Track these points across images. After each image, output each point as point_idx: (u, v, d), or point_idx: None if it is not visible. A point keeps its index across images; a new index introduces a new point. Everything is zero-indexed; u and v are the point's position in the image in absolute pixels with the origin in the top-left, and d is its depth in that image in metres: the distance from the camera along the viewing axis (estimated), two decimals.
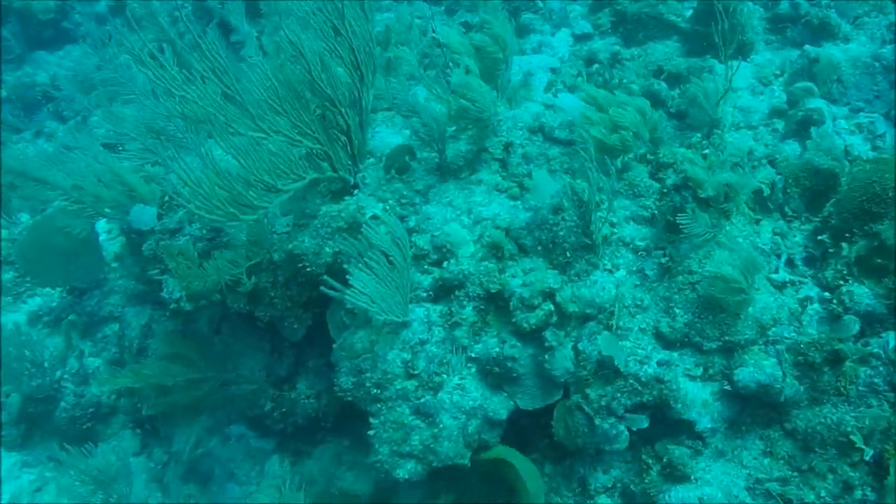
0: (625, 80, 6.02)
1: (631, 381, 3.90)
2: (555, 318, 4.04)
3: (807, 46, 5.97)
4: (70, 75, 8.64)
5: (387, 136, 5.05)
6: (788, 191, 4.69)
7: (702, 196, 4.16)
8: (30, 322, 6.62)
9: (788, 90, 5.70)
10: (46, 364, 5.84)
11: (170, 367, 4.96)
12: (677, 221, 3.96)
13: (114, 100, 8.02)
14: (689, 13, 6.46)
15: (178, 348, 5.05)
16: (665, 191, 4.37)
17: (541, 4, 7.17)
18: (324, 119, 4.23)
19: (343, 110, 4.28)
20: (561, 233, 4.20)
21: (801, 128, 5.30)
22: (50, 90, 8.85)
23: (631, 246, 4.32)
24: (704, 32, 6.26)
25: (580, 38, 6.71)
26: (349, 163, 4.58)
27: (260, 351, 5.18)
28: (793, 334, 4.04)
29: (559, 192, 4.20)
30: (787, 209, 4.66)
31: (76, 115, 8.67)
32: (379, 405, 4.14)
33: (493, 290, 4.16)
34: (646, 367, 3.93)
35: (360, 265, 3.80)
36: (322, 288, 3.82)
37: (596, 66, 6.24)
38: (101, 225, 6.72)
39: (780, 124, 5.54)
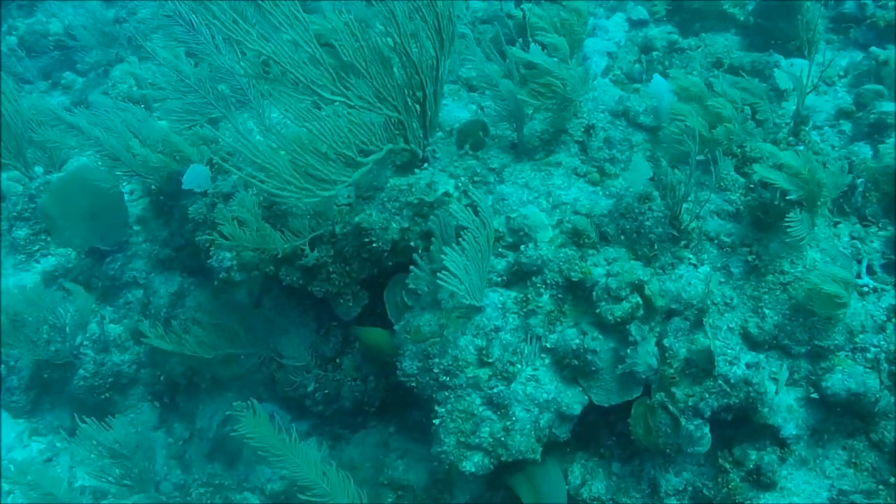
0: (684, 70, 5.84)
1: (720, 381, 3.72)
2: (641, 312, 3.84)
3: (873, 48, 5.83)
4: (88, 24, 8.27)
5: (454, 109, 4.81)
6: (867, 195, 4.54)
7: (792, 196, 3.99)
8: (44, 283, 6.28)
9: (856, 91, 5.54)
10: (68, 329, 5.51)
11: (213, 338, 4.68)
12: (786, 225, 3.77)
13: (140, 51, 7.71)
14: (749, 6, 6.29)
15: (221, 319, 4.78)
16: (751, 186, 4.20)
17: None
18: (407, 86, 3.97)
19: (423, 78, 4.03)
20: (647, 223, 4.01)
21: (874, 131, 5.15)
22: (64, 40, 8.42)
23: (716, 241, 4.13)
24: (767, 26, 6.11)
25: (636, 24, 6.50)
26: (420, 135, 4.33)
27: (304, 328, 4.93)
28: (882, 342, 3.89)
29: (646, 181, 4.00)
30: (865, 213, 4.51)
31: (90, 67, 8.29)
32: (447, 393, 3.92)
33: (573, 279, 3.95)
34: (735, 367, 3.76)
35: (453, 245, 3.56)
36: (412, 268, 3.58)
37: (654, 53, 6.05)
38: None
39: (846, 126, 5.38)
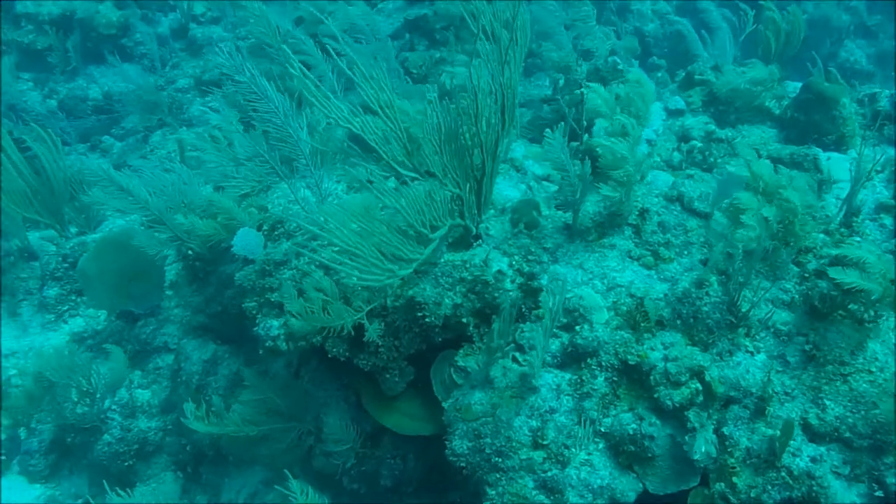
0: (720, 161, 5.92)
1: (783, 473, 3.63)
2: (701, 398, 3.78)
3: None
4: (128, 91, 8.43)
5: (504, 188, 4.85)
6: None
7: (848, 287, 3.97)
8: (71, 344, 6.20)
9: (894, 186, 5.60)
10: (98, 394, 5.40)
11: (255, 414, 4.58)
12: (864, 318, 3.75)
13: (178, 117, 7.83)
14: (785, 101, 6.42)
15: (263, 393, 4.68)
16: (806, 275, 4.20)
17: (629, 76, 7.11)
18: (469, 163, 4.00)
19: (485, 155, 4.07)
20: (704, 308, 3.99)
21: None
22: (102, 104, 8.57)
23: (772, 329, 4.10)
24: (803, 120, 6.22)
25: (672, 113, 6.61)
26: (475, 211, 4.35)
27: (344, 401, 4.84)
28: None
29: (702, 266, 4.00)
30: None
31: (127, 132, 8.41)
32: (498, 475, 3.82)
33: (630, 362, 3.91)
34: (798, 459, 3.67)
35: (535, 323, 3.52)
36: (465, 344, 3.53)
37: (693, 143, 6.13)
38: None
39: (888, 220, 5.42)
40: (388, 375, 4.41)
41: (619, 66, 7.12)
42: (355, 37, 6.98)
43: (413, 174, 3.85)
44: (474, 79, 3.68)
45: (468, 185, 4.18)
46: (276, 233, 4.72)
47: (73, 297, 6.48)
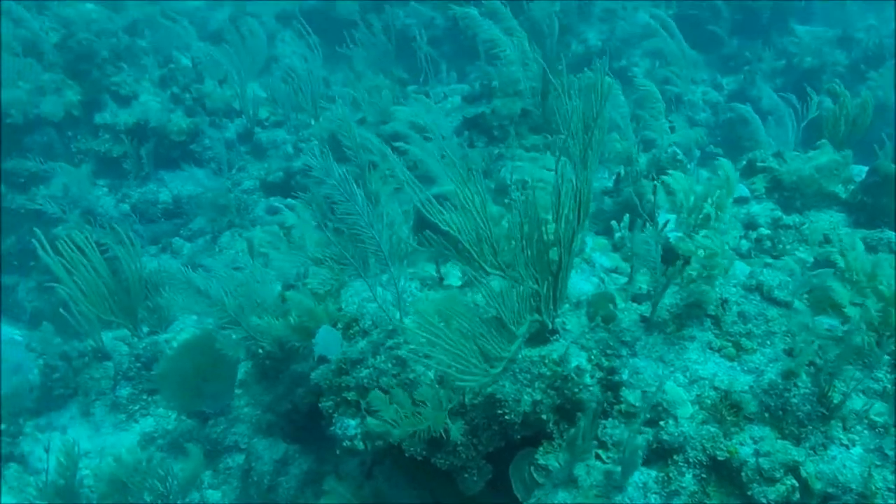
0: (788, 247, 5.84)
1: None
2: (798, 495, 3.62)
3: None
4: (196, 194, 8.75)
5: (577, 281, 4.84)
6: None
7: None
8: (141, 444, 6.25)
9: None
10: (171, 497, 5.39)
11: None
12: None
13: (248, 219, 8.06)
14: (851, 185, 6.36)
15: (341, 497, 4.63)
16: None
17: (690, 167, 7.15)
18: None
19: (562, 249, 4.09)
20: (794, 400, 3.87)
21: None
22: (171, 207, 8.88)
23: (866, 421, 3.94)
24: (871, 204, 6.13)
25: (737, 201, 6.58)
26: (551, 306, 4.34)
27: (419, 501, 4.74)
28: None
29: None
30: None
31: (194, 234, 8.67)
32: None
33: (718, 458, 3.78)
34: None
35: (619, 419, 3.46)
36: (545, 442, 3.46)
37: (761, 230, 6.08)
38: None
39: None
40: (466, 475, 4.32)
41: (679, 157, 7.17)
42: (422, 135, 7.17)
43: (499, 272, 3.88)
44: (553, 177, 3.72)
45: (545, 280, 4.19)
46: (350, 331, 4.76)
47: (145, 397, 6.56)
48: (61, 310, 6.74)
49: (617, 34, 12.49)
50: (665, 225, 4.82)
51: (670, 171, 6.81)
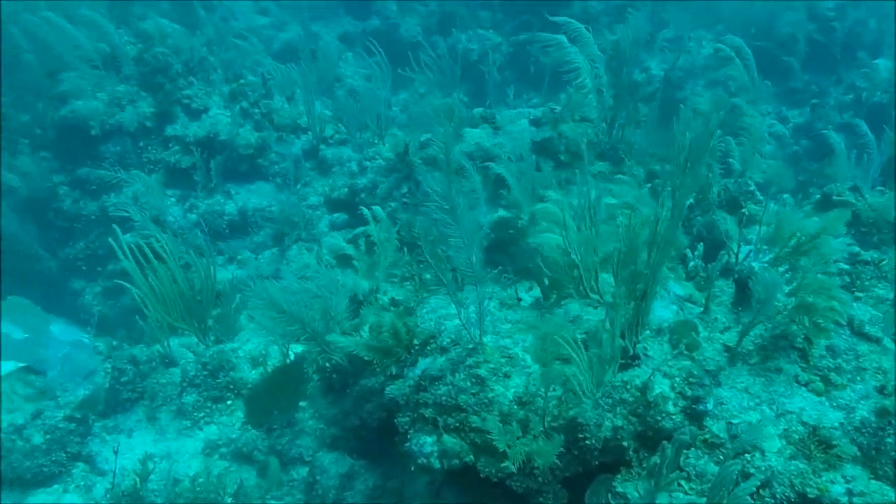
0: (867, 283, 5.72)
1: None
2: None
3: None
4: (266, 207, 8.90)
5: (656, 308, 4.79)
6: None
7: None
8: (205, 451, 6.31)
9: None
10: None
11: None
12: None
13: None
14: None
15: None
16: None
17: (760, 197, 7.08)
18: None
19: (649, 276, 4.06)
20: (888, 440, 3.77)
21: None
22: (236, 219, 9.01)
23: None
24: None
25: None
26: (633, 331, 4.30)
27: None
28: None
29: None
30: None
31: (258, 246, 8.79)
32: None
33: (809, 495, 3.69)
34: None
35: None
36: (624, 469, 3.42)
37: (839, 265, 5.97)
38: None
39: None
40: (541, 499, 4.28)
41: (751, 188, 7.10)
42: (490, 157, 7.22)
43: (597, 297, 3.88)
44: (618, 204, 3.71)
45: (630, 305, 4.16)
46: (428, 347, 4.77)
47: (209, 405, 6.63)
48: (138, 318, 6.89)
49: (679, 64, 12.44)
50: (747, 255, 4.77)
51: (745, 203, 6.77)
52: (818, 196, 6.93)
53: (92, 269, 9.37)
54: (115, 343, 8.27)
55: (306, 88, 9.90)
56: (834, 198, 6.65)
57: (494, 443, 3.92)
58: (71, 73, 9.22)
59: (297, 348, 6.68)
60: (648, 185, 8.02)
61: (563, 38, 6.90)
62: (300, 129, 9.89)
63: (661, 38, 12.77)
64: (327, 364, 6.08)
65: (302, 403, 6.30)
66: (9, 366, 7.17)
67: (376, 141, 9.78)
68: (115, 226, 6.61)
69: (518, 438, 3.96)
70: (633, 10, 10.18)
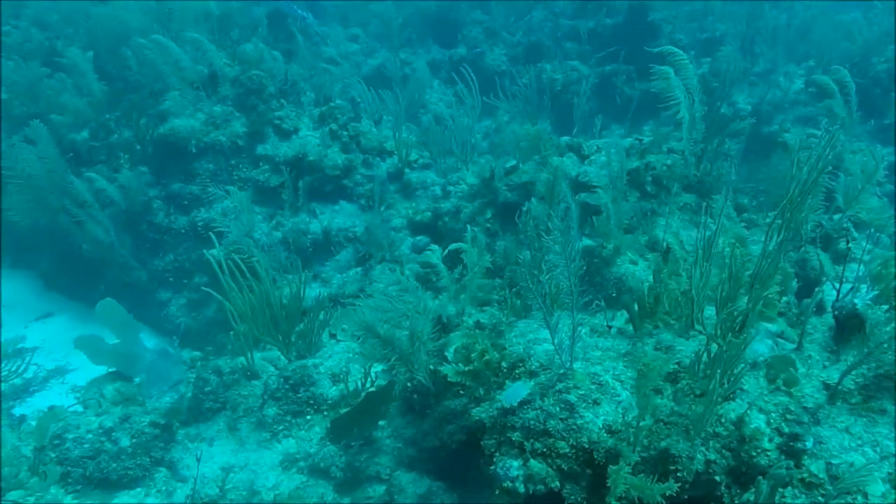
0: None
1: None
2: None
3: None
4: (351, 227, 9.08)
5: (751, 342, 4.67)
6: None
7: None
8: (283, 464, 6.40)
9: None
10: None
11: None
12: None
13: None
14: None
15: None
16: None
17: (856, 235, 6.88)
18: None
19: (749, 310, 3.97)
20: None
21: None
22: (320, 238, 9.18)
23: None
24: None
25: None
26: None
27: None
28: None
29: None
30: None
31: (343, 266, 8.94)
32: None
33: None
34: None
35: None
36: None
37: None
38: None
39: None
40: None
41: (846, 224, 6.90)
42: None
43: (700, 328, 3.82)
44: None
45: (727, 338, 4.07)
46: (516, 371, 4.75)
47: (289, 419, 6.73)
48: (221, 330, 7.06)
49: (768, 98, 12.20)
50: (848, 293, 4.62)
51: (840, 241, 6.58)
52: None
53: (178, 280, 9.67)
54: (199, 354, 8.51)
55: (394, 113, 10.09)
56: None
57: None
58: (173, 93, 9.60)
59: (377, 367, 6.76)
60: (739, 218, 7.87)
61: (669, 69, 6.85)
62: (386, 153, 10.05)
63: (751, 71, 12.57)
64: (408, 384, 6.12)
65: (381, 423, 6.33)
66: (101, 369, 7.43)
67: (461, 166, 9.87)
68: (212, 234, 6.78)
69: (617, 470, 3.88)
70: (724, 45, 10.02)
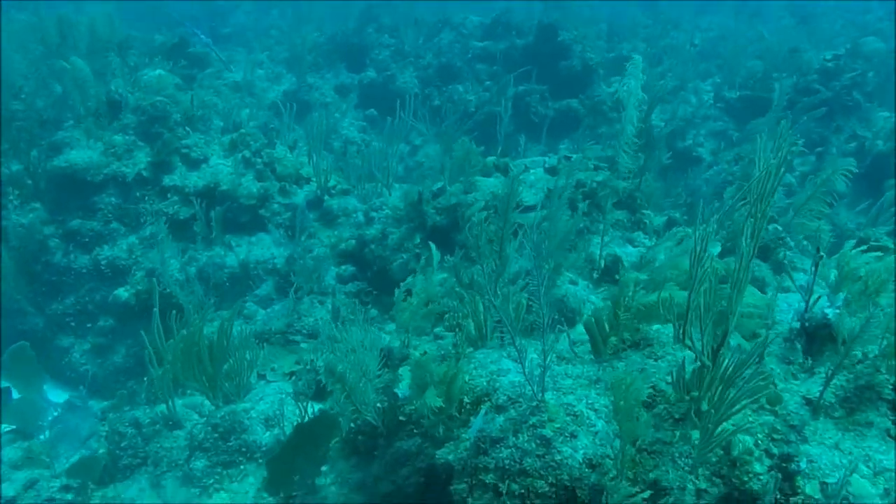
0: None
1: None
2: None
3: None
4: (264, 259, 8.56)
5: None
6: None
7: None
8: None
9: None
10: None
11: None
12: None
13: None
14: None
15: None
16: None
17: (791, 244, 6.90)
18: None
19: (727, 327, 3.77)
20: None
21: None
22: (237, 272, 8.63)
23: None
24: None
25: None
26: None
27: None
28: None
29: None
30: None
31: (261, 300, 8.40)
32: None
33: None
34: None
35: None
36: None
37: None
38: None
39: None
40: None
41: (782, 234, 6.92)
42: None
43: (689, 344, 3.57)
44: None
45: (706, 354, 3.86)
46: (481, 407, 4.39)
47: (220, 470, 6.15)
48: (135, 376, 6.44)
49: (679, 114, 12.43)
50: (817, 300, 4.50)
51: (778, 250, 6.57)
52: (852, 242, 6.74)
53: (81, 325, 8.90)
54: (109, 404, 7.78)
55: (309, 138, 9.65)
56: (872, 243, 6.46)
57: None
58: (67, 122, 8.87)
59: (315, 406, 6.30)
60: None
61: (606, 89, 6.72)
62: (303, 179, 9.58)
63: (661, 87, 12.78)
64: (352, 423, 5.67)
65: (323, 468, 5.86)
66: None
67: (382, 191, 9.50)
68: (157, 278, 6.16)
69: None
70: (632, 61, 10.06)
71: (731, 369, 3.61)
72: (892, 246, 6.35)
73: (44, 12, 10.81)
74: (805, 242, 8.10)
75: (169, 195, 9.01)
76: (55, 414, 7.31)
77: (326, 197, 9.34)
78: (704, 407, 3.66)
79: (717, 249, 6.97)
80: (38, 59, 9.50)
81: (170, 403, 6.49)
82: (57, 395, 8.24)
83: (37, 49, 10.08)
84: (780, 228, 6.97)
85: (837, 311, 4.36)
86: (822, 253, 4.24)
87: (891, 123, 11.25)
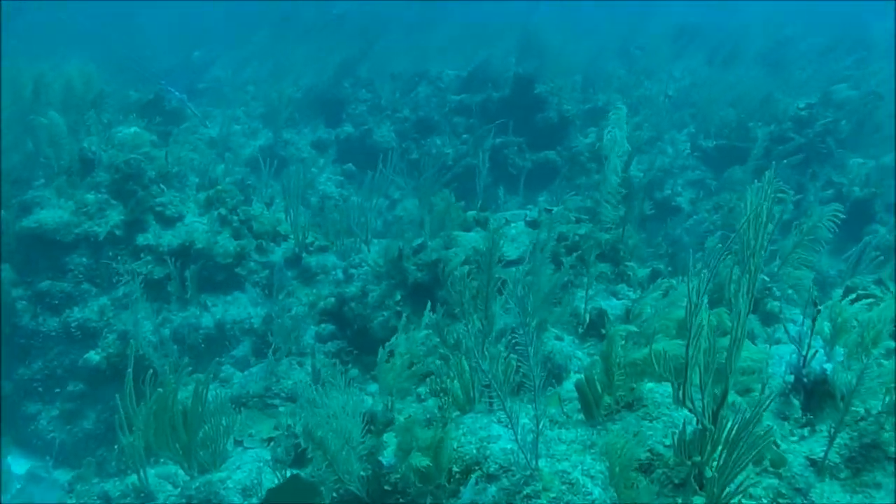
0: None
1: None
2: None
3: None
4: (240, 320, 8.34)
5: None
6: None
7: None
8: None
9: None
10: None
11: None
12: None
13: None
14: None
15: None
16: None
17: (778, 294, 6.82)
18: None
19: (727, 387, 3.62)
20: None
21: None
22: (213, 333, 8.38)
23: None
24: None
25: None
26: (707, 448, 3.81)
27: None
28: None
29: None
30: None
31: (237, 361, 8.14)
32: None
33: None
34: None
35: None
36: None
37: None
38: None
39: None
40: None
41: (769, 284, 6.85)
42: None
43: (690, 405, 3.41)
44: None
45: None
46: (471, 476, 4.18)
47: None
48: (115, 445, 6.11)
49: (657, 165, 12.47)
50: (815, 355, 4.38)
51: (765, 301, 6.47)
52: (839, 291, 6.68)
53: (49, 390, 8.58)
54: (77, 474, 7.42)
55: (286, 194, 9.50)
56: (859, 292, 6.38)
57: None
58: (37, 181, 8.67)
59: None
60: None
61: (583, 140, 6.68)
62: (280, 236, 9.40)
63: (638, 138, 12.86)
64: (334, 494, 5.40)
65: None
66: None
67: (360, 247, 9.33)
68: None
69: None
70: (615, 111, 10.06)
71: (734, 431, 3.44)
72: (879, 294, 6.28)
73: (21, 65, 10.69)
74: (790, 291, 8.03)
75: (142, 254, 8.78)
76: (18, 486, 6.95)
77: (304, 254, 9.15)
78: (708, 473, 3.47)
79: (705, 300, 6.86)
80: (11, 117, 9.32)
81: (141, 474, 6.16)
82: (22, 466, 7.88)
83: (11, 107, 9.91)
84: (766, 279, 6.90)
85: (837, 365, 4.24)
86: (819, 307, 4.13)
87: (865, 170, 11.35)
